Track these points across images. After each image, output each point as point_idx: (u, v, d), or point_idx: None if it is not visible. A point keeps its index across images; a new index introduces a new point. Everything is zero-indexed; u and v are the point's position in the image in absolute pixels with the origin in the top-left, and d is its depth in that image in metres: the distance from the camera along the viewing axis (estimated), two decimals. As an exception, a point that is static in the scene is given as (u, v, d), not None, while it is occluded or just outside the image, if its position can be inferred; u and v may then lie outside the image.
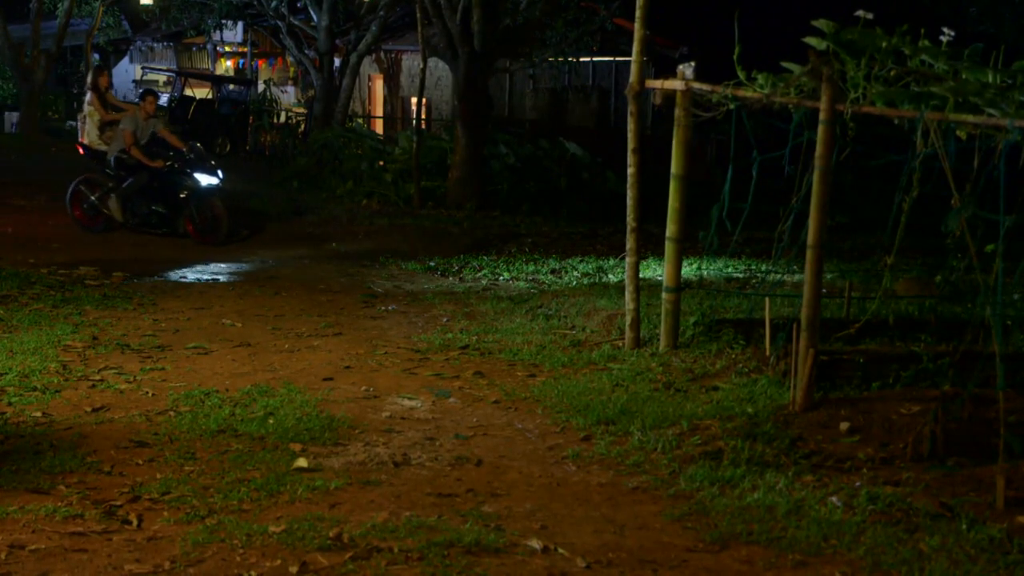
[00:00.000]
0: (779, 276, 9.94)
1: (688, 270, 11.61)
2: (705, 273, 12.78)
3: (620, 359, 9.18)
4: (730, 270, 13.45)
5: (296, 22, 28.90)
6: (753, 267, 13.61)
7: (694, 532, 5.78)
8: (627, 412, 7.68)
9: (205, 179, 15.53)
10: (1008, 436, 6.28)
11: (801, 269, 7.88)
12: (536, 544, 5.54)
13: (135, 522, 5.73)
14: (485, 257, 15.48)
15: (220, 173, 15.73)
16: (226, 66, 39.56)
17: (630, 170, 9.55)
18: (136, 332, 10.10)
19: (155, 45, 41.33)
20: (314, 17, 28.03)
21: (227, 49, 39.44)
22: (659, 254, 9.52)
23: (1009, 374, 6.54)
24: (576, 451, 7.02)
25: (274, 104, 32.75)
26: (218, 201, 15.62)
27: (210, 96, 31.64)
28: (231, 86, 32.42)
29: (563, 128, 26.48)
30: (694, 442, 7.07)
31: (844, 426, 7.23)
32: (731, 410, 7.63)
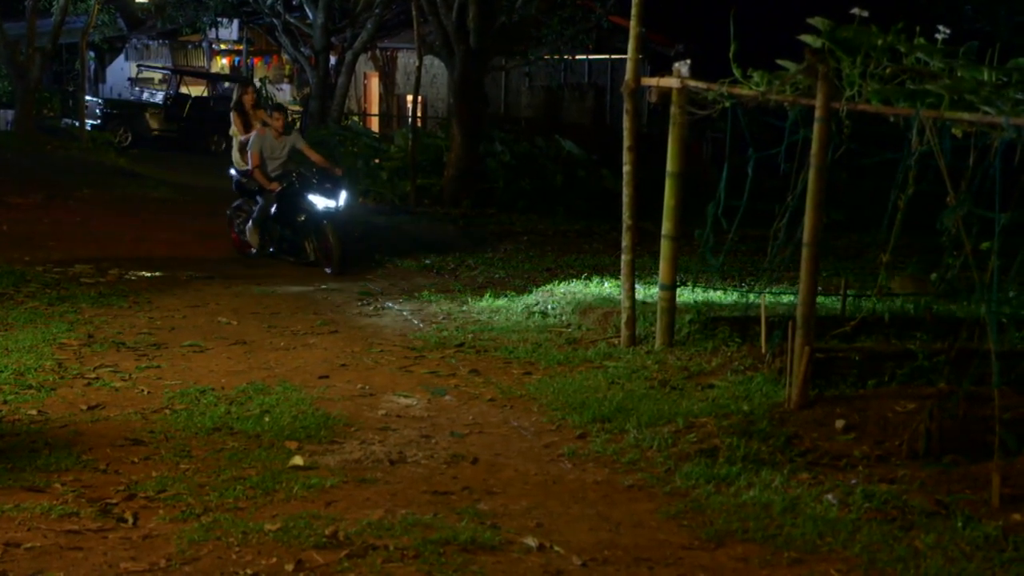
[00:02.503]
0: (775, 274, 9.94)
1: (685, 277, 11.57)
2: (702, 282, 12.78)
3: (616, 357, 9.18)
4: (726, 268, 13.44)
5: (292, 20, 28.90)
6: (749, 265, 13.60)
7: (690, 530, 5.78)
8: (623, 410, 7.68)
9: (321, 202, 13.86)
10: (1003, 434, 6.29)
11: (797, 267, 7.88)
12: (532, 542, 5.54)
13: (131, 520, 5.72)
14: (481, 255, 15.47)
15: (342, 196, 13.98)
16: (222, 64, 39.54)
17: (626, 168, 9.55)
18: (132, 330, 10.10)
19: (151, 43, 41.31)
20: (310, 15, 28.03)
21: (223, 47, 39.43)
22: (654, 252, 9.52)
23: (1004, 372, 6.54)
24: (572, 449, 7.02)
25: (270, 102, 32.71)
26: (330, 227, 13.78)
27: (205, 94, 31.62)
28: (226, 84, 32.40)
29: (559, 126, 26.47)
30: (690, 440, 7.07)
31: (840, 424, 7.23)
32: (727, 408, 7.63)
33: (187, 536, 5.50)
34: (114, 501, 5.97)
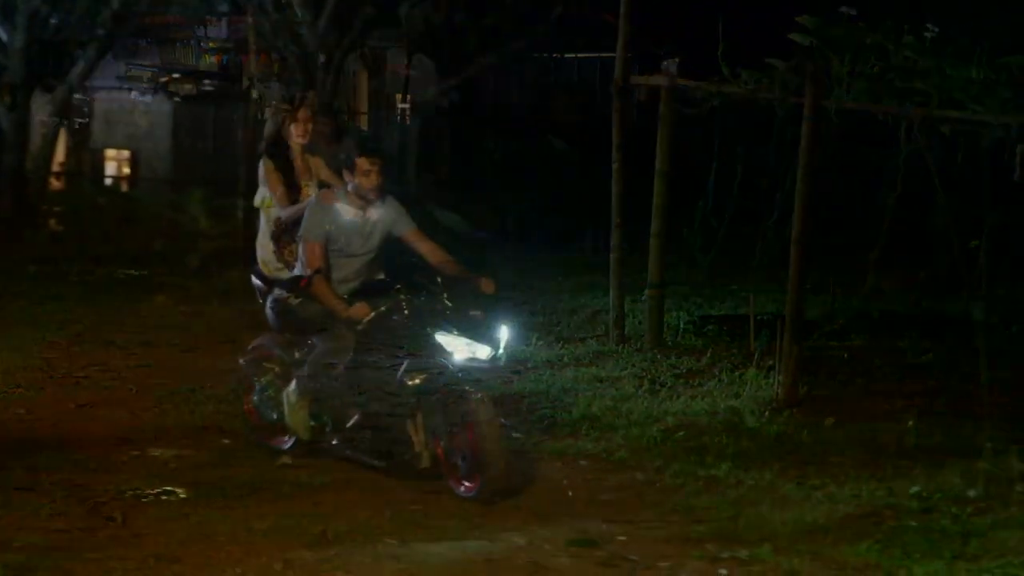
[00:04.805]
0: (764, 272, 9.95)
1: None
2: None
3: (605, 355, 9.16)
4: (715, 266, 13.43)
5: (280, 18, 28.80)
6: (738, 263, 13.58)
7: (679, 527, 5.77)
8: (612, 408, 7.67)
9: (463, 349, 9.56)
10: (992, 431, 6.29)
11: (786, 265, 7.89)
12: (520, 540, 5.53)
13: (120, 519, 5.70)
14: (471, 254, 15.42)
15: (503, 340, 7.86)
16: (210, 62, 39.41)
17: (614, 166, 9.53)
18: (121, 329, 10.07)
19: (140, 41, 41.14)
20: (298, 13, 27.95)
21: (211, 45, 39.30)
22: (644, 250, 9.51)
23: (992, 369, 6.55)
24: (562, 447, 7.01)
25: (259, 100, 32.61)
26: (482, 407, 7.06)
27: (194, 92, 31.48)
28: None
29: (549, 124, 26.45)
30: (679, 438, 7.07)
31: (828, 421, 7.24)
32: (716, 406, 7.62)
33: (176, 535, 5.48)
34: (103, 500, 5.96)
